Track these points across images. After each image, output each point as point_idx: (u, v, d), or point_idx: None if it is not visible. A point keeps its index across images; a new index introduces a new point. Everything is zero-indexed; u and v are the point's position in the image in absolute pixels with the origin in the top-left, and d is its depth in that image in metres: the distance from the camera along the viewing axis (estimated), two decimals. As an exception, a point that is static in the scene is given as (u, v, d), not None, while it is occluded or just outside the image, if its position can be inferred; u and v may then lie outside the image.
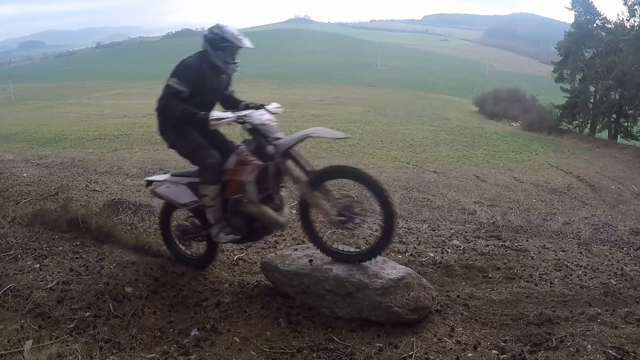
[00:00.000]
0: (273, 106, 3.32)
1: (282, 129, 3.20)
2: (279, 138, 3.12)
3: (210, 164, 3.18)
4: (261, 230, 3.30)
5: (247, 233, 3.27)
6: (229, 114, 3.13)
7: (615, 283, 3.76)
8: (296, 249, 3.41)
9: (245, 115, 3.10)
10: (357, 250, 3.27)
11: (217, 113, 3.14)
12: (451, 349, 2.68)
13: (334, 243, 3.36)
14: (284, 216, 3.32)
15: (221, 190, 3.22)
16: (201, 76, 3.17)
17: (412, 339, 2.74)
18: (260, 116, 3.13)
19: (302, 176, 3.09)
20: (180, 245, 3.66)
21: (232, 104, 3.46)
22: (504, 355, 2.64)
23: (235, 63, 3.27)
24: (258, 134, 3.11)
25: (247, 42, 3.24)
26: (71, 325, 2.70)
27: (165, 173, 3.68)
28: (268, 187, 3.20)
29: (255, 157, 3.10)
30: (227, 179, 3.21)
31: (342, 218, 3.04)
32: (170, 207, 3.61)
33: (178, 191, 3.42)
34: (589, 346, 2.68)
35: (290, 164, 3.16)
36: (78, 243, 3.76)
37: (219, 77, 3.31)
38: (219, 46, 3.18)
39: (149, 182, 3.63)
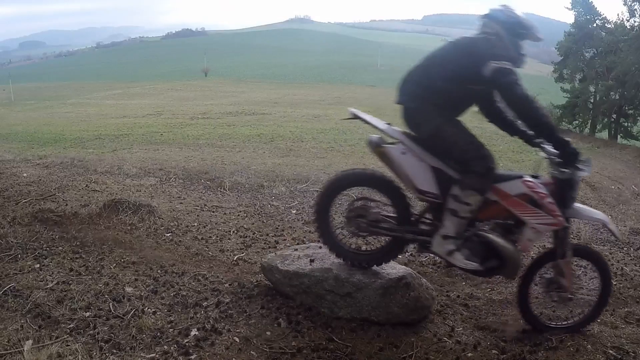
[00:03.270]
0: (587, 164, 2.57)
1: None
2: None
3: (490, 170, 2.52)
4: (494, 271, 2.75)
5: (487, 268, 2.70)
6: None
7: (615, 283, 3.75)
8: (296, 249, 3.40)
9: (582, 163, 2.50)
10: (568, 322, 2.92)
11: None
12: (451, 349, 2.69)
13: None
14: None
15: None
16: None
17: (412, 339, 2.74)
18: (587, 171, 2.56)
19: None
20: (343, 236, 2.94)
21: (506, 123, 2.77)
22: (504, 355, 2.64)
23: (525, 55, 2.60)
24: (570, 189, 2.56)
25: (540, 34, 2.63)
26: (71, 325, 2.69)
27: (387, 123, 2.76)
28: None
29: (560, 212, 2.54)
30: (493, 199, 2.60)
31: (570, 296, 2.77)
32: (344, 182, 2.85)
33: (419, 169, 2.62)
34: (589, 346, 2.69)
35: None
36: (78, 243, 3.77)
37: None
38: (517, 32, 2.52)
39: (355, 116, 2.79)
